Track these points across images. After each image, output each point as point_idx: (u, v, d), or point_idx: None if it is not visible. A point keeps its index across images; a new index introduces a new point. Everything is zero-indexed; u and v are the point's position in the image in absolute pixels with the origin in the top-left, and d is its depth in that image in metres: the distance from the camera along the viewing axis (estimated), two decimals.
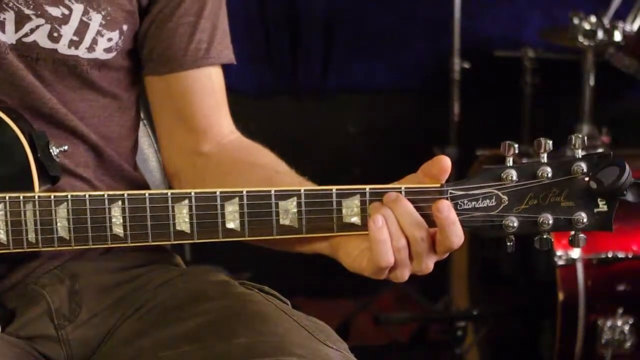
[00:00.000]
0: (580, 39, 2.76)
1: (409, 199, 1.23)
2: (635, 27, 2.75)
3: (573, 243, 1.26)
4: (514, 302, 2.84)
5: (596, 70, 2.84)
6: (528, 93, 3.32)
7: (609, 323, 2.39)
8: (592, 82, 2.84)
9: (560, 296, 2.38)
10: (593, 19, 2.73)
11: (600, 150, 2.77)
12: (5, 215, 1.27)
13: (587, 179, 1.22)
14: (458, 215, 1.22)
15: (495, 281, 2.93)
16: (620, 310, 2.40)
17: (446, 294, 3.18)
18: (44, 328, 1.37)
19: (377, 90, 3.69)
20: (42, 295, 1.38)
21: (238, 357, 1.20)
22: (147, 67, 1.48)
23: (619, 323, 2.40)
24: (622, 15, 2.80)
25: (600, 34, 2.73)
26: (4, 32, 1.34)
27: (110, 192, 1.26)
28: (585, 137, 1.25)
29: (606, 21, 2.74)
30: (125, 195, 1.26)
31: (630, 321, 2.41)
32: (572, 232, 1.26)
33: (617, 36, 2.72)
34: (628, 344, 2.41)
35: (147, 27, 1.45)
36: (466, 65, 3.32)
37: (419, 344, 3.16)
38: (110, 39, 1.40)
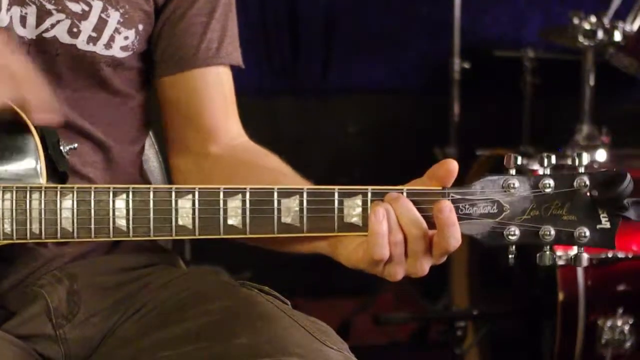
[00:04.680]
0: (580, 39, 2.76)
1: (410, 200, 1.24)
2: (635, 27, 2.75)
3: (575, 262, 1.26)
4: (514, 302, 2.85)
5: (596, 70, 2.83)
6: (528, 93, 3.32)
7: (609, 323, 2.39)
8: (592, 82, 2.84)
9: (560, 296, 2.38)
10: (593, 19, 2.73)
11: (600, 146, 2.78)
12: (12, 205, 1.27)
13: (589, 193, 1.23)
14: (458, 219, 1.23)
15: (495, 281, 2.93)
16: (620, 310, 2.40)
17: (446, 294, 3.18)
18: (42, 327, 1.37)
19: (377, 90, 3.70)
20: (40, 294, 1.38)
21: (239, 357, 1.20)
22: (159, 69, 1.50)
23: (619, 323, 2.40)
24: (622, 15, 2.80)
25: (600, 34, 2.73)
26: (24, 26, 1.37)
27: (116, 185, 1.27)
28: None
29: (606, 21, 2.74)
30: (130, 188, 1.26)
31: (630, 321, 2.41)
32: (575, 249, 1.26)
33: (617, 36, 2.73)
34: (628, 344, 2.41)
35: (160, 27, 1.47)
36: (466, 65, 3.32)
37: (419, 344, 3.16)
38: (126, 37, 1.42)
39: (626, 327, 2.40)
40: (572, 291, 2.37)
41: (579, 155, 1.24)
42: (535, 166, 2.52)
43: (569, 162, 2.69)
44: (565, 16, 2.81)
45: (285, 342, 1.23)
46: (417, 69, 3.67)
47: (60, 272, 1.41)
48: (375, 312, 3.10)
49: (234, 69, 1.55)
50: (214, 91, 1.51)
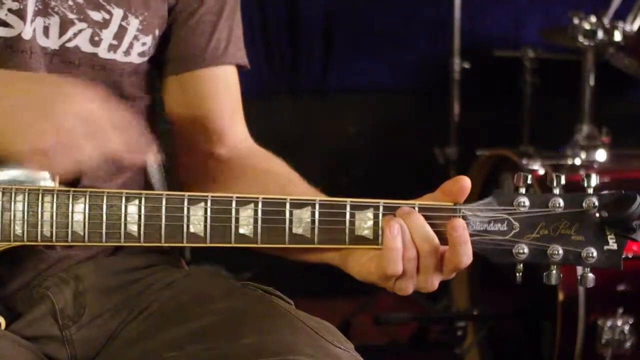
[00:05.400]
0: (580, 39, 2.75)
1: (422, 215, 1.24)
2: (635, 27, 2.75)
3: (581, 283, 1.27)
4: (514, 302, 2.84)
5: (596, 70, 2.83)
6: (528, 93, 3.32)
7: (609, 323, 2.39)
8: (592, 82, 2.84)
9: (560, 296, 2.38)
10: (593, 19, 2.73)
11: (600, 146, 2.77)
12: (23, 207, 1.27)
13: (597, 214, 1.24)
14: (469, 235, 1.23)
15: (495, 281, 2.93)
16: (620, 310, 2.40)
17: (446, 294, 3.18)
18: (48, 328, 1.37)
19: (377, 90, 3.70)
20: (47, 296, 1.39)
21: (246, 357, 1.20)
22: (166, 69, 1.50)
23: (619, 323, 2.40)
24: (622, 15, 2.80)
25: (600, 34, 2.73)
26: (47, 37, 1.37)
27: (128, 191, 1.28)
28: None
29: (606, 21, 2.74)
30: (143, 194, 1.27)
31: (630, 321, 2.41)
32: (581, 271, 1.27)
33: (617, 36, 2.72)
34: (628, 344, 2.41)
35: (168, 27, 1.47)
36: (466, 65, 3.32)
37: (419, 344, 3.16)
38: (144, 44, 1.43)
39: (626, 327, 2.40)
40: (572, 291, 2.37)
41: (588, 177, 1.24)
42: (536, 166, 2.52)
43: (569, 162, 2.68)
44: (565, 16, 2.81)
45: (293, 341, 1.23)
46: (417, 69, 3.67)
47: (67, 274, 1.41)
48: (375, 312, 3.10)
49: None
50: (221, 91, 1.51)
